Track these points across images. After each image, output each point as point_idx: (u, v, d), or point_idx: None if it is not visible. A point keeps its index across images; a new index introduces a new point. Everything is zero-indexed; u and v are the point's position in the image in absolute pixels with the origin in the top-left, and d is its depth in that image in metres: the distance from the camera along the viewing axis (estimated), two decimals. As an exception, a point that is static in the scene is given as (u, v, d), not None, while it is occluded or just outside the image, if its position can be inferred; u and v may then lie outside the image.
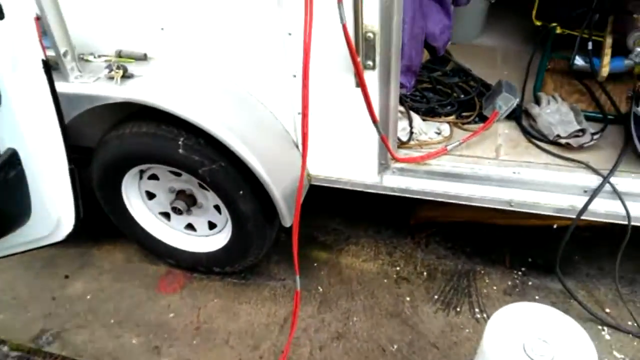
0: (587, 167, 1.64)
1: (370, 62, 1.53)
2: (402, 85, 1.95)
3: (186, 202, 1.93)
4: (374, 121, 1.53)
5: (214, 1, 1.53)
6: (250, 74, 1.68)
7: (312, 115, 1.73)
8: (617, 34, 1.93)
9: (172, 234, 2.11)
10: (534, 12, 2.19)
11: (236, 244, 1.93)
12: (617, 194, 1.56)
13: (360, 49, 1.47)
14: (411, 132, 1.87)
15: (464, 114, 1.98)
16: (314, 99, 1.67)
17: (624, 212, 1.57)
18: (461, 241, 2.21)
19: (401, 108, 1.93)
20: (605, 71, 1.81)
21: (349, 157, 1.81)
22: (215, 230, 2.01)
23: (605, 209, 1.62)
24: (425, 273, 2.10)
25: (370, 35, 1.46)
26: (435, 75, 2.16)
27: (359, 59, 1.44)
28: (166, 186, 1.95)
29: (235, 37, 1.60)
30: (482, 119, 1.93)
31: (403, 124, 1.89)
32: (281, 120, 1.78)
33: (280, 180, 1.74)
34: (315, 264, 2.17)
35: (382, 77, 1.56)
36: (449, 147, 1.77)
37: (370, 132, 1.63)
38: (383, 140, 1.61)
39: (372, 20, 1.44)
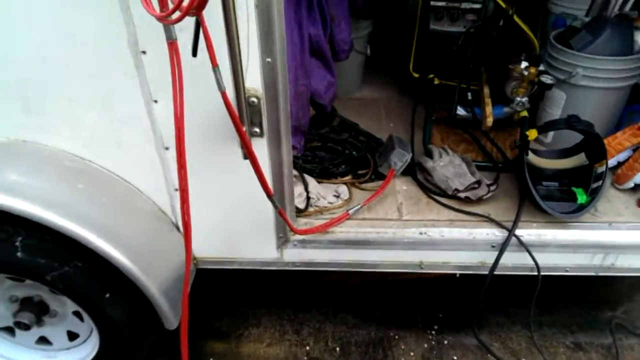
0: (490, 220, 1.59)
1: (257, 129, 1.33)
2: (292, 147, 1.78)
3: (35, 312, 1.50)
4: (268, 194, 1.31)
5: (56, 53, 1.21)
6: (110, 148, 1.37)
7: (195, 192, 1.47)
8: (492, 83, 1.99)
9: (19, 352, 1.63)
10: (411, 65, 2.21)
11: (107, 356, 1.54)
12: (523, 246, 1.52)
13: (245, 117, 1.26)
14: (308, 198, 1.69)
15: (359, 171, 1.86)
16: (196, 173, 1.41)
17: (532, 264, 1.53)
18: (369, 304, 2.05)
19: (295, 172, 1.75)
20: (489, 121, 1.83)
21: (242, 234, 1.56)
22: (78, 341, 1.59)
23: (513, 261, 1.57)
24: (338, 348, 1.88)
25: (254, 100, 1.27)
26: (323, 132, 2.03)
27: (244, 128, 1.22)
28: (5, 295, 1.50)
29: (86, 104, 1.29)
30: (378, 175, 1.83)
31: (298, 189, 1.70)
32: (155, 199, 1.48)
33: (157, 272, 1.43)
34: (211, 359, 1.84)
35: (271, 143, 1.36)
36: (350, 212, 1.62)
37: (264, 205, 1.41)
38: (281, 214, 1.39)
39: (254, 83, 1.25)
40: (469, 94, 1.97)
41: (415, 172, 1.84)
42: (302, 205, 1.67)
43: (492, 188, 1.68)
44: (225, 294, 2.09)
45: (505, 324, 1.97)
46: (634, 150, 1.71)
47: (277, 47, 1.20)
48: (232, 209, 1.50)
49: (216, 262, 1.62)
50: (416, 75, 2.23)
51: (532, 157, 1.71)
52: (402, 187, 1.81)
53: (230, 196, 1.47)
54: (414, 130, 2.10)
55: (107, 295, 1.37)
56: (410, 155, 1.79)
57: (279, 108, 1.31)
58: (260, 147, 1.36)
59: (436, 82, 2.18)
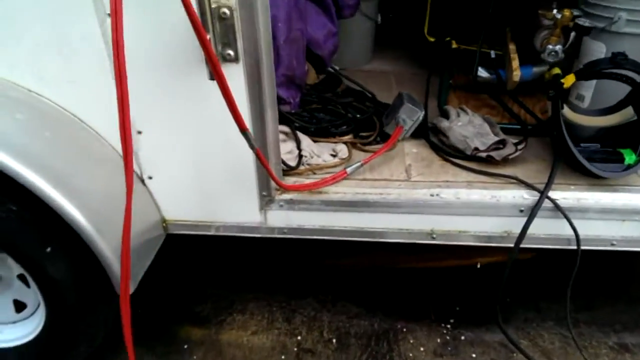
0: (518, 181, 1.32)
1: (230, 52, 1.10)
2: (284, 101, 1.55)
3: (-26, 275, 1.28)
4: (242, 128, 1.07)
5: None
6: (60, 79, 1.16)
7: (160, 136, 1.25)
8: (519, 41, 1.73)
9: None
10: (425, 28, 1.97)
11: (54, 330, 1.29)
12: (559, 210, 1.24)
13: (211, 30, 1.04)
14: (300, 156, 1.45)
15: (363, 134, 1.61)
16: (159, 108, 1.19)
17: (570, 233, 1.25)
18: (376, 293, 1.77)
19: (286, 129, 1.52)
20: (516, 75, 1.57)
21: (219, 191, 1.32)
22: (25, 312, 1.36)
23: (547, 231, 1.29)
24: (334, 340, 1.60)
25: (226, 11, 1.04)
26: (325, 95, 1.79)
27: (208, 37, 0.99)
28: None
29: (31, 24, 1.09)
30: (384, 137, 1.58)
31: (289, 146, 1.46)
32: (115, 145, 1.26)
33: (114, 231, 1.19)
34: (186, 346, 1.57)
35: (250, 71, 1.13)
36: (348, 170, 1.36)
37: (244, 153, 1.18)
38: (260, 159, 1.15)
39: (226, -12, 1.03)
40: (493, 52, 1.72)
41: (429, 134, 1.58)
42: (293, 163, 1.42)
43: (519, 147, 1.41)
44: (211, 276, 1.84)
45: (535, 320, 1.66)
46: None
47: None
48: (205, 159, 1.26)
49: (189, 226, 1.38)
50: (432, 39, 1.99)
51: (568, 113, 1.44)
52: (412, 149, 1.55)
53: (202, 141, 1.23)
54: (428, 100, 1.84)
55: (49, 249, 1.14)
56: (423, 112, 1.53)
57: (258, 25, 1.08)
58: (235, 76, 1.13)
59: (454, 45, 1.93)
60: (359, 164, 1.38)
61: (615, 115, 1.41)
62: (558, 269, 1.35)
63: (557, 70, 1.62)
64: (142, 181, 1.32)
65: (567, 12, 1.43)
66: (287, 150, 1.44)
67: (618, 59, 1.25)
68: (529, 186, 1.29)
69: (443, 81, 1.78)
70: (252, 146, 1.11)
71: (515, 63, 1.61)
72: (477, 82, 1.75)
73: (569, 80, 1.33)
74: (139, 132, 1.24)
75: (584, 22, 1.42)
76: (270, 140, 1.24)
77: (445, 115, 1.62)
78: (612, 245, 1.29)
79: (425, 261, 1.88)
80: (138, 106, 1.22)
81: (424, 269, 1.89)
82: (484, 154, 1.40)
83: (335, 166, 1.43)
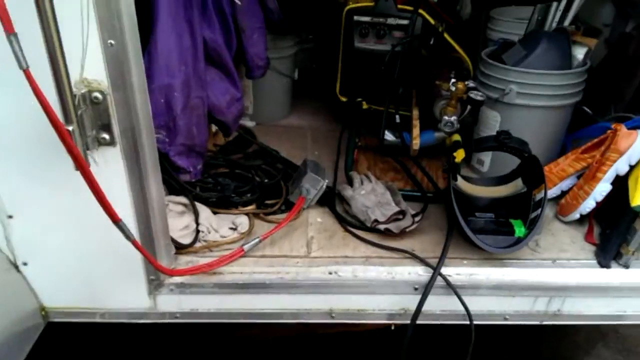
0: (413, 256, 1.32)
1: (105, 135, 1.04)
2: (184, 170, 1.50)
3: None
4: (115, 220, 1.00)
5: None
6: None
7: (30, 216, 1.15)
8: (422, 105, 1.78)
9: None
10: (337, 87, 1.99)
11: None
12: (450, 287, 1.25)
13: (81, 114, 0.97)
14: (197, 231, 1.38)
15: (268, 202, 1.57)
16: (29, 191, 1.11)
17: (463, 310, 1.25)
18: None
19: (184, 200, 1.45)
20: (416, 144, 1.60)
21: (104, 275, 1.23)
22: None
23: (442, 307, 1.29)
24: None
25: (98, 95, 0.99)
26: (232, 158, 1.75)
27: (71, 128, 0.93)
28: None
29: None
30: (289, 205, 1.55)
31: (185, 220, 1.40)
32: (-18, 229, 1.15)
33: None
34: None
35: (128, 155, 1.07)
36: (246, 248, 1.31)
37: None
38: (137, 248, 1.08)
39: (96, 73, 0.97)
40: (397, 116, 1.75)
41: (334, 202, 1.57)
42: (188, 240, 1.36)
43: (416, 219, 1.42)
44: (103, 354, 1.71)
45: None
46: (579, 177, 1.50)
47: (124, 23, 0.94)
48: (86, 242, 1.18)
49: (71, 313, 1.27)
50: (343, 99, 2.01)
51: (463, 184, 1.47)
52: (316, 219, 1.53)
53: (81, 224, 1.15)
54: (339, 158, 1.85)
55: None
56: (326, 182, 1.52)
57: (135, 106, 1.03)
58: (113, 159, 1.06)
59: (365, 106, 1.96)
60: (257, 240, 1.34)
61: (507, 187, 1.46)
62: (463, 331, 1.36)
63: (457, 137, 1.66)
64: (16, 267, 1.21)
65: (460, 85, 1.48)
66: (183, 225, 1.38)
67: (502, 138, 1.30)
68: (423, 262, 1.29)
69: (349, 144, 1.79)
70: (127, 237, 1.04)
71: (416, 131, 1.64)
72: (384, 145, 1.77)
73: (459, 155, 1.36)
74: (10, 217, 1.14)
75: (476, 95, 1.47)
76: (156, 222, 1.18)
77: (350, 182, 1.62)
78: (505, 319, 1.32)
79: (342, 327, 1.84)
80: (8, 188, 1.13)
81: (345, 333, 1.85)
82: (382, 227, 1.40)
83: (233, 242, 1.38)
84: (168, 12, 1.31)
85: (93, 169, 0.97)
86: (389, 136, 1.80)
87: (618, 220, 1.32)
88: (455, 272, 1.28)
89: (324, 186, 1.52)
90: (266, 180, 1.67)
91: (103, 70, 0.97)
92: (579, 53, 1.56)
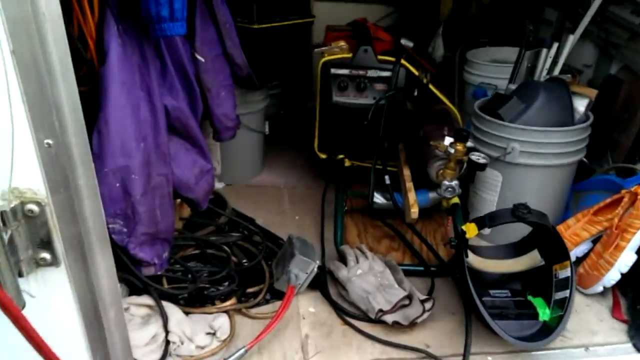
0: (429, 356, 1.12)
1: (46, 255, 0.79)
2: (147, 264, 1.24)
3: None
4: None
5: None
6: None
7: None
8: (412, 163, 1.62)
9: None
10: (315, 144, 1.80)
11: None
12: (480, 397, 1.05)
13: (11, 234, 0.73)
14: (167, 342, 1.13)
15: (249, 289, 1.34)
16: None
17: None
18: None
19: (149, 301, 1.20)
20: (414, 213, 1.42)
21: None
22: None
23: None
24: None
25: (34, 208, 0.75)
26: (202, 236, 1.51)
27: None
28: None
29: None
30: (274, 293, 1.33)
31: (152, 330, 1.14)
32: None
33: None
34: None
35: (76, 275, 0.82)
36: (230, 361, 1.08)
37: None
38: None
39: (30, 182, 0.74)
40: (387, 177, 1.58)
41: (327, 286, 1.36)
42: (156, 356, 1.10)
43: (427, 306, 1.23)
44: None
45: None
46: (594, 242, 1.36)
47: (65, 118, 0.72)
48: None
49: None
50: (323, 156, 1.83)
51: (472, 259, 1.30)
52: (308, 308, 1.31)
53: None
54: (324, 224, 1.64)
55: None
56: (317, 264, 1.31)
57: (83, 215, 0.80)
58: (57, 282, 0.81)
59: (347, 163, 1.78)
60: (242, 351, 1.10)
61: (523, 260, 1.30)
62: None
63: (455, 200, 1.51)
64: None
65: (460, 147, 1.33)
66: (149, 337, 1.12)
67: (520, 213, 1.14)
68: (444, 364, 1.10)
69: (336, 211, 1.59)
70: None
71: (412, 196, 1.47)
72: (374, 209, 1.59)
73: (471, 230, 1.19)
74: None
75: (478, 157, 1.32)
76: (116, 350, 0.93)
77: (342, 258, 1.41)
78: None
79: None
80: None
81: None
82: (389, 319, 1.20)
83: (213, 354, 1.14)
84: (120, 81, 1.09)
85: (29, 305, 0.73)
86: (378, 199, 1.62)
87: (651, 296, 1.18)
88: (481, 372, 1.09)
89: (315, 269, 1.31)
90: (245, 262, 1.44)
91: (39, 177, 0.74)
92: (580, 105, 1.45)
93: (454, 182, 1.37)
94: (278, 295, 1.33)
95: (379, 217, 1.63)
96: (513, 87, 1.60)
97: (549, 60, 1.62)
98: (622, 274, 1.24)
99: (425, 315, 1.21)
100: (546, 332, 1.14)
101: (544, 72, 1.65)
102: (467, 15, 2.45)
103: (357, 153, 1.77)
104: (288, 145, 2.29)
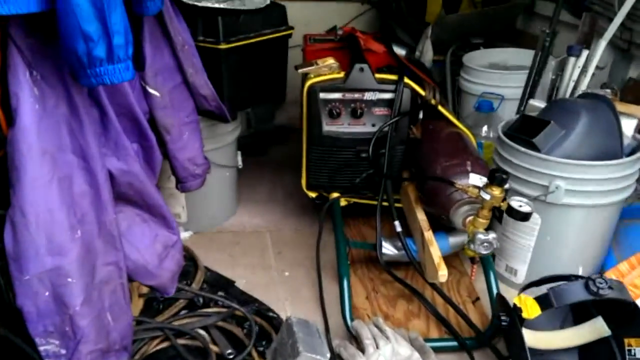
0: None
1: None
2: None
3: None
4: None
5: None
6: None
7: None
8: (426, 203, 1.34)
9: None
10: (303, 182, 1.49)
11: None
12: None
13: None
14: None
15: (241, 397, 1.03)
16: None
17: None
18: None
19: None
20: (443, 276, 1.14)
21: None
22: None
23: None
24: None
25: None
26: (170, 319, 1.18)
27: None
28: None
29: None
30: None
31: None
32: None
33: None
34: None
35: None
36: None
37: None
38: None
39: None
40: (397, 223, 1.29)
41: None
42: None
43: (477, 407, 0.95)
44: None
45: None
46: (659, 295, 1.12)
47: None
48: None
49: None
50: (313, 195, 1.52)
51: (525, 334, 1.03)
52: (320, 417, 1.00)
53: None
54: (323, 285, 1.34)
55: None
56: (328, 356, 1.01)
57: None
58: None
59: (343, 203, 1.48)
60: None
61: (584, 331, 1.04)
62: None
63: (484, 249, 1.23)
64: None
65: (497, 192, 1.05)
66: None
67: (597, 289, 0.87)
68: None
69: (341, 271, 1.28)
70: None
71: (436, 252, 1.18)
72: (383, 261, 1.30)
73: (530, 310, 0.92)
74: None
75: (520, 203, 1.04)
76: None
77: (358, 340, 1.12)
78: None
79: None
80: None
81: None
82: None
83: None
84: (39, 148, 0.76)
85: None
86: (388, 249, 1.33)
87: None
88: None
89: (325, 364, 1.01)
90: (230, 354, 1.12)
91: None
92: (627, 128, 1.20)
93: (491, 236, 1.09)
94: (279, 401, 1.02)
95: (390, 273, 1.33)
96: (537, 103, 1.34)
97: (577, 71, 1.37)
98: None
99: (477, 422, 0.94)
100: None
101: (571, 85, 1.39)
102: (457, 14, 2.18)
103: (354, 190, 1.47)
104: (263, 172, 1.98)
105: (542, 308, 0.91)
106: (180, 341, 1.13)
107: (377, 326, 1.13)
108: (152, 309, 1.22)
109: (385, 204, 1.35)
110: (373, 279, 1.37)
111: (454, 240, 1.31)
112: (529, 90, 1.46)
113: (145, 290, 1.25)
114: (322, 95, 1.34)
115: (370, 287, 1.34)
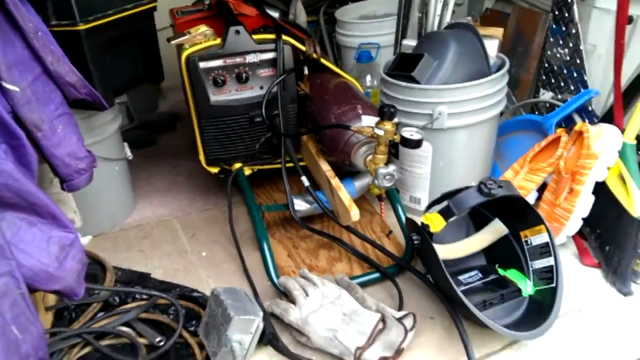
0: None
1: None
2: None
3: None
4: None
5: None
6: None
7: None
8: (327, 153, 1.36)
9: None
10: (202, 158, 1.45)
11: None
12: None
13: None
14: None
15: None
16: None
17: None
18: None
19: None
20: (355, 215, 1.18)
21: None
22: None
23: None
24: None
25: None
26: (86, 325, 1.10)
27: None
28: None
29: None
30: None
31: None
32: None
33: None
34: None
35: None
36: None
37: None
38: None
39: None
40: (304, 178, 1.31)
41: (276, 335, 1.06)
42: None
43: (407, 324, 1.02)
44: None
45: None
46: (538, 191, 1.27)
47: None
48: None
49: None
50: (214, 170, 1.48)
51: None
52: (265, 374, 1.01)
53: None
54: (243, 255, 1.32)
55: None
56: (261, 315, 1.01)
57: None
58: None
59: (248, 172, 1.47)
60: None
61: (485, 235, 1.14)
62: None
63: (388, 184, 1.30)
64: None
65: (389, 126, 1.10)
66: None
67: (489, 190, 0.96)
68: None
69: (259, 236, 1.28)
70: None
71: (345, 194, 1.22)
72: (298, 217, 1.32)
73: (436, 223, 0.99)
74: None
75: (411, 133, 1.11)
76: None
77: (287, 293, 1.13)
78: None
79: None
80: None
81: None
82: (374, 356, 0.96)
83: None
84: None
85: None
86: (301, 205, 1.34)
87: (619, 234, 1.11)
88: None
89: (261, 324, 1.01)
90: (160, 341, 1.07)
91: None
92: (491, 48, 1.32)
93: (391, 168, 1.15)
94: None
95: (306, 227, 1.35)
96: (411, 42, 1.42)
97: (439, 5, 1.47)
98: (583, 219, 1.16)
99: (410, 335, 1.00)
100: (537, 309, 1.01)
101: (437, 20, 1.49)
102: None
103: (255, 156, 1.46)
104: (158, 161, 1.89)
105: (446, 218, 0.99)
106: (104, 342, 1.06)
107: (303, 277, 1.15)
108: (65, 319, 1.12)
109: (290, 164, 1.37)
110: (292, 237, 1.38)
111: (359, 183, 1.37)
112: (401, 32, 1.54)
113: (52, 301, 1.14)
114: (202, 64, 1.29)
115: (291, 245, 1.35)
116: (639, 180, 1.10)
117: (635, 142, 1.12)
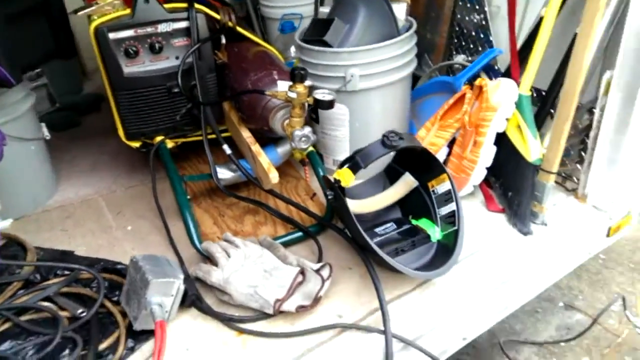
0: (346, 327, 0.97)
1: None
2: None
3: None
4: None
5: None
6: None
7: None
8: (247, 121, 1.38)
9: None
10: (121, 133, 1.43)
11: None
12: (415, 347, 0.95)
13: None
14: None
15: (102, 346, 1.00)
16: None
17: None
18: None
19: None
20: (274, 177, 1.21)
21: None
22: None
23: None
24: None
25: None
26: (6, 302, 1.08)
27: None
28: None
29: None
30: (138, 336, 1.01)
31: None
32: None
33: None
34: None
35: None
36: None
37: None
38: None
39: None
40: (226, 146, 1.32)
41: (200, 296, 1.09)
42: None
43: (324, 274, 1.07)
44: None
45: None
46: (449, 146, 1.35)
47: None
48: None
49: None
50: (136, 145, 1.46)
51: (349, 204, 1.16)
52: (190, 332, 1.03)
53: None
54: (169, 226, 1.32)
55: None
56: (181, 278, 1.03)
57: None
58: None
59: (170, 144, 1.46)
60: None
61: (397, 188, 1.21)
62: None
63: (310, 147, 1.34)
64: None
65: (301, 88, 1.14)
66: None
67: (391, 142, 1.02)
68: (365, 329, 0.96)
69: (180, 203, 1.29)
70: None
71: (265, 159, 1.25)
72: (223, 185, 1.33)
73: (346, 178, 1.04)
74: None
75: (323, 94, 1.15)
76: None
77: (209, 257, 1.15)
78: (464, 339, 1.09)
79: None
80: None
81: None
82: (292, 306, 1.01)
83: None
84: None
85: None
86: (224, 174, 1.36)
87: (518, 180, 1.20)
88: (404, 324, 0.98)
89: (181, 286, 1.03)
90: (82, 312, 1.07)
91: None
92: (399, 12, 1.37)
93: (307, 130, 1.19)
94: (144, 337, 1.02)
95: (230, 194, 1.37)
96: (327, 9, 1.45)
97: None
98: (487, 168, 1.24)
99: (327, 284, 1.05)
100: (445, 251, 1.08)
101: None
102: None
103: (177, 128, 1.46)
104: (81, 142, 1.85)
105: (354, 172, 1.03)
106: (24, 318, 1.05)
107: (226, 240, 1.18)
108: (-20, 298, 1.09)
109: (212, 135, 1.37)
110: (218, 206, 1.39)
111: (282, 149, 1.40)
112: (319, 1, 1.56)
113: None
114: (111, 35, 1.27)
115: (217, 213, 1.36)
116: (533, 129, 1.19)
117: (530, 93, 1.21)
